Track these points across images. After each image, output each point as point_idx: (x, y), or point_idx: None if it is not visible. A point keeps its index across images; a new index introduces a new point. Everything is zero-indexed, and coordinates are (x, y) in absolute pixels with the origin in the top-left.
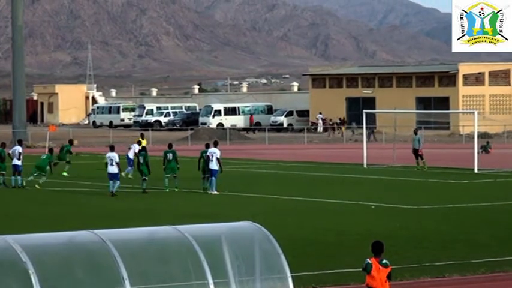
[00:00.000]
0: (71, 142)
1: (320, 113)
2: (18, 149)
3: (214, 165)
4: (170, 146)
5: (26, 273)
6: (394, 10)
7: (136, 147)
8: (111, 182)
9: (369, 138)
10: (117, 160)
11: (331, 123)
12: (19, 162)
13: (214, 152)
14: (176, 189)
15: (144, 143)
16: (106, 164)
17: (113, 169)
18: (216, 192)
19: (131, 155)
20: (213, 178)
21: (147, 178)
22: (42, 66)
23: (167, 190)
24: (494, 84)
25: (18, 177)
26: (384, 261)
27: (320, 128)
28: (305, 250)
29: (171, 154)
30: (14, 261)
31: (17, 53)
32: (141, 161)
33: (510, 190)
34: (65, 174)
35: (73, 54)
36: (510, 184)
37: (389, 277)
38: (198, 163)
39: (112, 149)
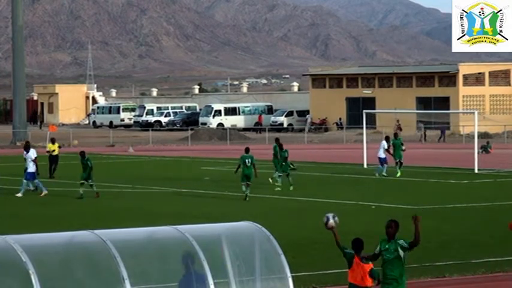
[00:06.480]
0: (277, 140)
1: (308, 113)
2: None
3: None
4: (247, 150)
5: (26, 273)
6: (394, 10)
7: None
8: (28, 181)
9: (440, 138)
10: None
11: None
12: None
13: None
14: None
15: (53, 147)
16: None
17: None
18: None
19: None
20: None
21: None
22: (42, 66)
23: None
24: (494, 85)
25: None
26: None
27: (306, 128)
28: (305, 250)
29: (249, 159)
30: (14, 261)
31: (17, 53)
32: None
33: (510, 190)
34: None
35: (73, 54)
36: (510, 184)
37: (372, 276)
38: (238, 167)
39: (27, 148)
